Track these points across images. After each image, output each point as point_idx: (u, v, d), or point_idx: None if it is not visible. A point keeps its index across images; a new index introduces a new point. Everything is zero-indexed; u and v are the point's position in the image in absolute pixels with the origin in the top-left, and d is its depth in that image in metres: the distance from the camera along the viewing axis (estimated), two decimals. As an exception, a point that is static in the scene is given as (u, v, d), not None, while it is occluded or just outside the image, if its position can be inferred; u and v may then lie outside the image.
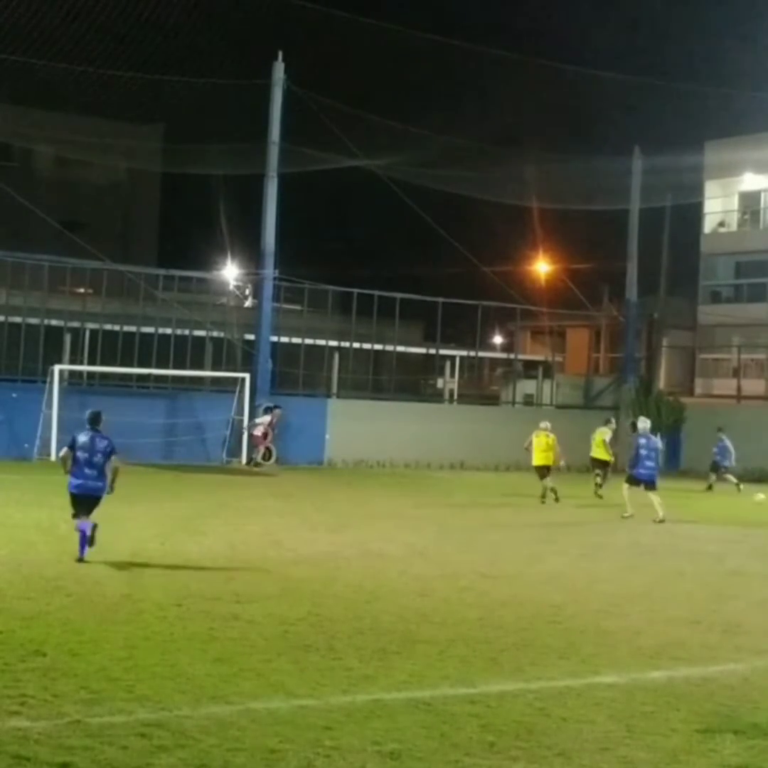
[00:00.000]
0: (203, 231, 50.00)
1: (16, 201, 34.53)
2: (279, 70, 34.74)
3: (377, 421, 35.91)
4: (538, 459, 26.16)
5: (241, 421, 33.77)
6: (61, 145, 44.65)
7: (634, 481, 22.72)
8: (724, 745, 7.70)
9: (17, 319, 34.22)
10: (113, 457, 14.59)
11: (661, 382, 46.10)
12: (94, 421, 14.82)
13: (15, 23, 29.70)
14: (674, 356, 51.10)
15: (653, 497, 22.37)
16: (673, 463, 38.97)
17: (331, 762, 6.99)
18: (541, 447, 26.12)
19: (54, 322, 34.94)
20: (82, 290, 38.57)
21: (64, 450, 14.80)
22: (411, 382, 45.62)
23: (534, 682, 9.19)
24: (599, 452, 28.14)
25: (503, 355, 50.06)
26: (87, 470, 14.46)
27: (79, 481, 14.47)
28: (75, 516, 14.53)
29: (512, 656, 10.09)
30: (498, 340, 56.45)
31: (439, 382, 46.63)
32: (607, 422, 28.95)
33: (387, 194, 36.65)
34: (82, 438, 14.58)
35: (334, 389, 38.68)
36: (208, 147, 36.88)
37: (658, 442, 23.73)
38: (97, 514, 14.47)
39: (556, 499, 25.51)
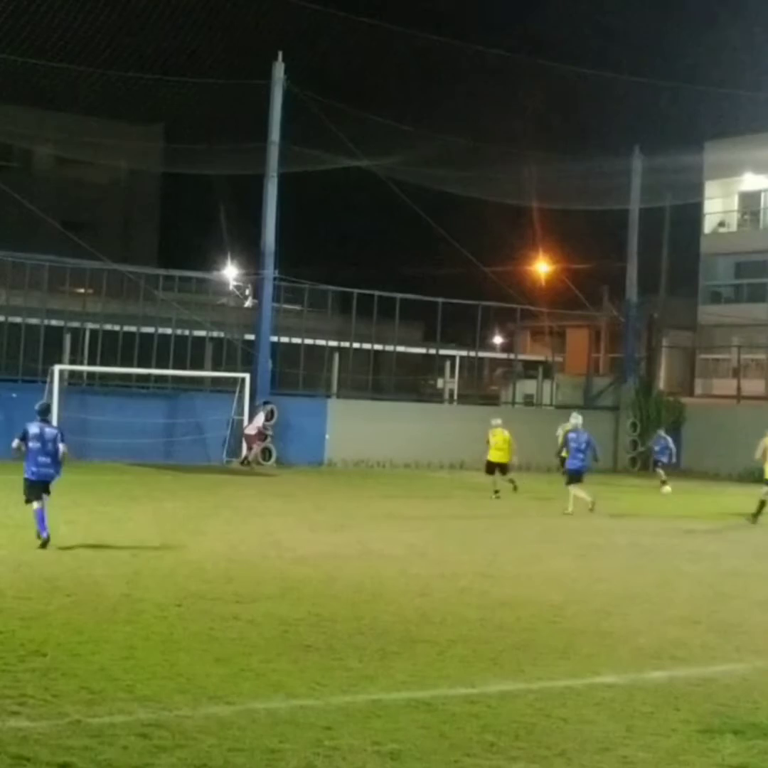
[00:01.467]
0: (203, 231, 50.08)
1: (16, 201, 34.53)
2: (279, 70, 34.71)
3: (377, 421, 35.87)
4: (495, 456, 26.66)
5: (242, 421, 33.78)
6: (61, 145, 44.67)
7: (573, 477, 23.46)
8: (724, 745, 7.70)
9: (17, 319, 34.22)
10: (61, 445, 15.53)
11: (661, 382, 46.10)
12: (44, 412, 16.05)
13: (15, 23, 29.71)
14: (674, 356, 51.08)
15: (572, 490, 23.16)
16: (673, 463, 38.93)
17: (331, 762, 7.00)
18: (499, 444, 26.67)
19: (54, 322, 34.93)
20: (82, 290, 38.56)
21: (16, 441, 15.61)
22: (411, 382, 45.60)
23: (534, 682, 9.19)
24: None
25: (503, 355, 50.07)
26: (41, 458, 15.42)
27: (35, 469, 15.43)
28: (28, 501, 15.49)
29: (512, 656, 10.09)
30: (498, 340, 56.45)
31: (439, 382, 46.62)
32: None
33: (387, 194, 36.66)
34: (33, 429, 15.51)
35: (334, 389, 38.66)
36: (208, 147, 36.88)
37: (588, 436, 24.19)
38: (99, 514, 14.48)
39: (515, 489, 26.38)
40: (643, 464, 40.66)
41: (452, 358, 45.26)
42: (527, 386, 44.58)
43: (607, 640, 10.93)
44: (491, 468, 26.77)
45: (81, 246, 34.20)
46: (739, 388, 42.63)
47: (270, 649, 9.88)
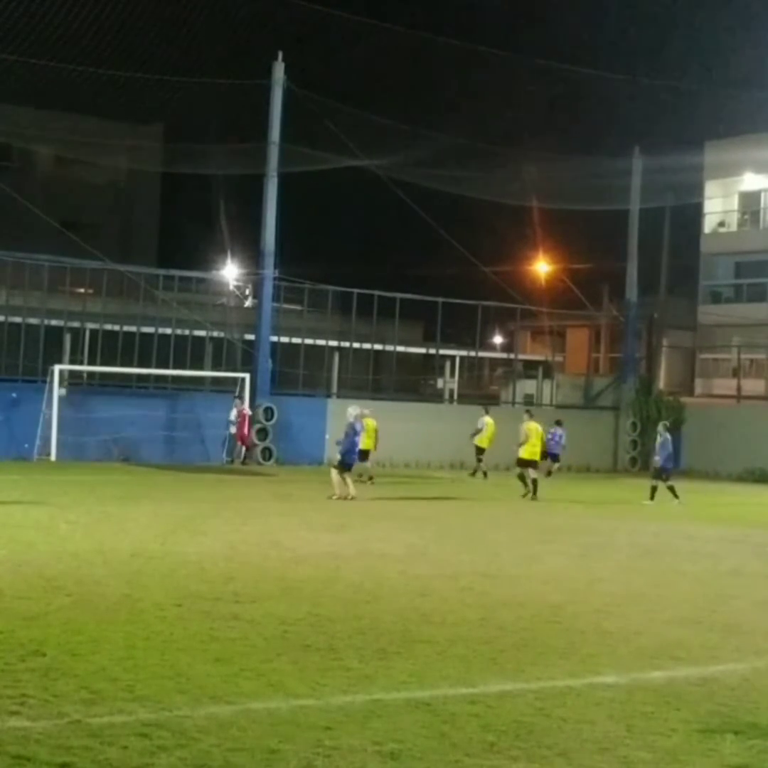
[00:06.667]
0: (203, 231, 50.06)
1: (16, 201, 34.53)
2: (279, 70, 34.72)
3: (377, 421, 35.84)
4: (368, 444, 28.50)
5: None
6: (61, 145, 44.65)
7: (344, 466, 24.41)
8: (724, 745, 7.69)
9: (17, 319, 34.23)
10: None
11: (661, 382, 46.15)
12: None
13: (15, 23, 29.71)
14: (674, 356, 51.12)
15: (348, 478, 24.25)
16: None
17: (331, 762, 6.99)
18: (369, 432, 28.44)
19: (54, 322, 34.94)
20: (82, 290, 38.59)
21: None
22: (411, 382, 45.62)
23: (534, 682, 9.17)
24: (487, 441, 32.27)
25: (503, 355, 50.09)
26: None
27: None
28: None
29: (512, 656, 10.08)
30: (498, 340, 56.48)
31: (439, 382, 46.63)
32: (488, 412, 33.56)
33: (387, 194, 36.66)
34: None
35: (334, 389, 38.65)
36: (208, 147, 36.87)
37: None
38: (99, 514, 14.48)
39: (371, 481, 28.24)
40: (644, 464, 40.71)
41: (452, 358, 45.26)
42: (527, 386, 44.57)
43: (607, 640, 10.92)
44: (363, 456, 28.36)
45: (81, 246, 34.21)
46: (739, 388, 42.66)
47: (270, 649, 9.87)
